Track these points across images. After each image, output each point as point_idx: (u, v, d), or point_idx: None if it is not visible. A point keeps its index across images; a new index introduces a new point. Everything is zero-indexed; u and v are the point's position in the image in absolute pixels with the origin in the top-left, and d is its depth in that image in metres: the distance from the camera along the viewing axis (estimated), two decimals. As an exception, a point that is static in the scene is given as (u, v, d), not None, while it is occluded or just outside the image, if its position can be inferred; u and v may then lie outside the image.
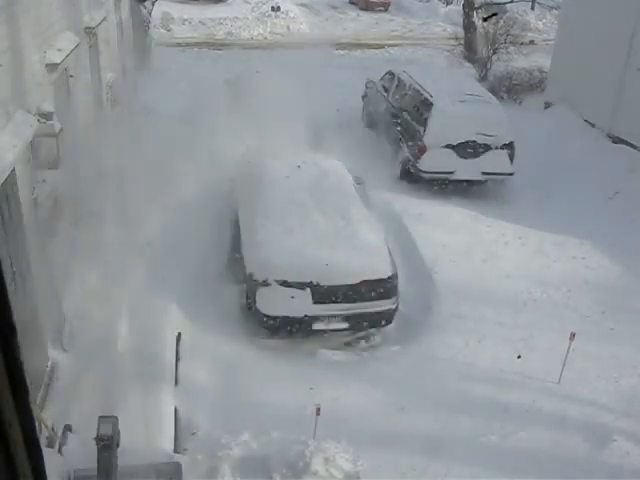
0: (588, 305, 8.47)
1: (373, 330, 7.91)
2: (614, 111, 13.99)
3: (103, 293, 7.16)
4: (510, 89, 17.49)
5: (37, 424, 5.10)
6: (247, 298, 7.80)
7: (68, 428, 5.66)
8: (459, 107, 11.59)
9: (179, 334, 7.33)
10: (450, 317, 8.05)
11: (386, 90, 13.66)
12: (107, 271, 7.49)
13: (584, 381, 7.05)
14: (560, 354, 6.94)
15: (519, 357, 7.34)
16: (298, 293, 7.40)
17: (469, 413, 6.54)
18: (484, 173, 11.51)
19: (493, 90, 15.65)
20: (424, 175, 11.54)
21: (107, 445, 4.42)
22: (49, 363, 6.29)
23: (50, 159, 5.94)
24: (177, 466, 5.16)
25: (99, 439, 4.43)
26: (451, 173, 11.42)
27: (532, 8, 27.16)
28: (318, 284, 7.43)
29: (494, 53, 19.07)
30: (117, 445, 4.48)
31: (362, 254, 7.74)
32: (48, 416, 5.64)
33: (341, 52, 22.80)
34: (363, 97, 15.08)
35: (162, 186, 10.34)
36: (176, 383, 6.59)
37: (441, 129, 11.35)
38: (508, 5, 22.58)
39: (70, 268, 7.45)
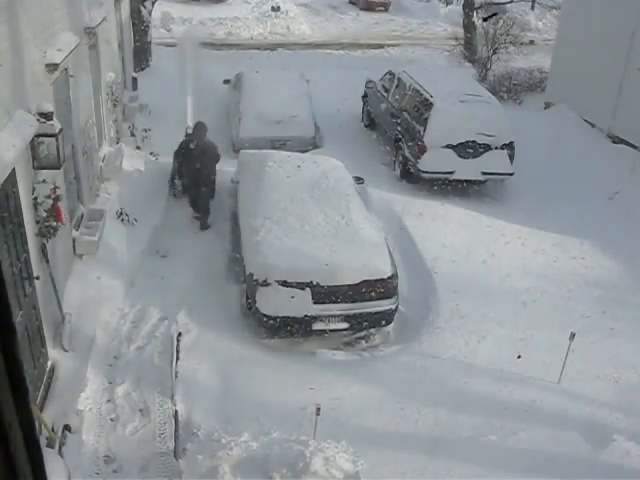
0: (588, 305, 8.47)
1: (373, 330, 7.91)
2: (614, 111, 14.00)
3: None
4: (510, 89, 17.48)
5: (37, 424, 5.10)
6: (247, 298, 7.80)
7: (68, 428, 5.66)
8: (459, 107, 11.58)
9: (179, 333, 7.34)
10: (450, 317, 8.05)
11: (386, 90, 13.66)
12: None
13: (584, 381, 7.04)
14: (560, 354, 6.94)
15: (519, 357, 7.34)
16: (298, 293, 7.39)
17: (469, 413, 6.54)
18: (484, 173, 11.51)
19: (493, 90, 15.64)
20: (424, 175, 11.53)
21: None
22: (49, 363, 6.28)
23: (50, 159, 5.93)
24: None
25: None
26: (451, 173, 11.42)
27: (532, 8, 27.14)
28: (318, 284, 7.43)
29: (494, 53, 19.07)
30: None
31: (362, 254, 7.74)
32: (48, 416, 5.64)
33: (341, 52, 22.79)
34: (363, 97, 15.08)
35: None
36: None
37: (441, 129, 11.34)
38: (508, 5, 22.57)
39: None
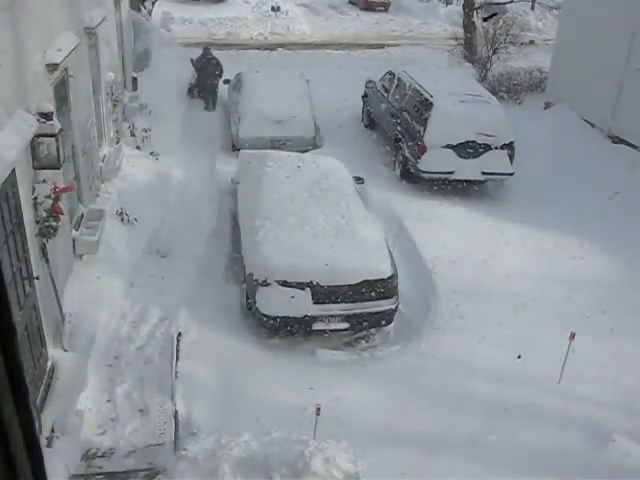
0: (588, 305, 8.46)
1: (373, 330, 7.91)
2: (614, 111, 14.00)
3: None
4: (510, 89, 17.48)
5: (37, 424, 5.10)
6: (247, 298, 7.80)
7: (67, 428, 5.66)
8: (459, 107, 11.58)
9: (179, 333, 7.34)
10: (450, 317, 8.05)
11: (386, 90, 13.65)
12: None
13: (584, 381, 7.04)
14: (560, 354, 6.94)
15: (519, 357, 7.34)
16: (298, 293, 7.39)
17: (469, 413, 6.54)
18: (484, 173, 11.50)
19: (493, 90, 15.64)
20: (424, 175, 11.53)
21: None
22: (49, 363, 6.28)
23: (50, 159, 5.94)
24: None
25: None
26: (451, 173, 11.42)
27: (532, 8, 27.15)
28: (318, 284, 7.43)
29: (494, 53, 19.07)
30: None
31: (362, 254, 7.73)
32: (48, 416, 5.64)
33: (341, 52, 22.78)
34: (363, 97, 15.08)
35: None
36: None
37: (441, 129, 11.34)
38: (508, 5, 22.58)
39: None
